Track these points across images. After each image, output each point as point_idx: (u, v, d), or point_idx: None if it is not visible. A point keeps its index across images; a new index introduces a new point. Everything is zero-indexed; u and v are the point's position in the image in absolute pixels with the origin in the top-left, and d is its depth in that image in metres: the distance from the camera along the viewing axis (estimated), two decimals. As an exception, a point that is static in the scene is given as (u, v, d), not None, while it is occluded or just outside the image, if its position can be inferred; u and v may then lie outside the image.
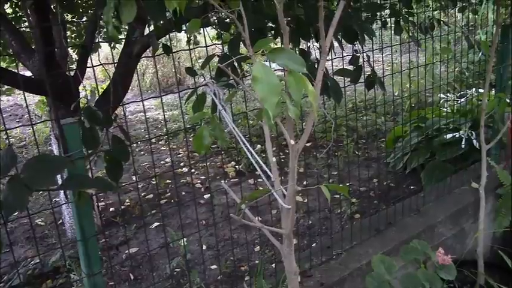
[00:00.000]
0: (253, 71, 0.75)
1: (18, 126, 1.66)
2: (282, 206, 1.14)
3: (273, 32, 2.21)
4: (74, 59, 4.75)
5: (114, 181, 1.66)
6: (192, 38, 5.17)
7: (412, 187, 3.91)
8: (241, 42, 2.13)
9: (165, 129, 5.78)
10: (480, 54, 2.94)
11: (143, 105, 1.65)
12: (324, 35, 1.06)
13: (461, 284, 2.20)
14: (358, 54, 2.39)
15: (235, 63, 1.98)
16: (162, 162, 4.93)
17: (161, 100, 1.70)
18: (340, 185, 1.08)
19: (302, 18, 1.95)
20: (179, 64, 7.67)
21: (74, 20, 4.17)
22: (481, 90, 4.52)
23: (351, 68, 2.33)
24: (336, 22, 1.11)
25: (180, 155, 5.11)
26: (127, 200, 4.09)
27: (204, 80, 1.89)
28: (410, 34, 2.68)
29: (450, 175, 3.11)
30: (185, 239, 3.20)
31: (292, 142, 0.99)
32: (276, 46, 0.95)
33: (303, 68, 0.79)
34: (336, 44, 2.39)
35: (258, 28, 2.07)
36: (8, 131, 1.48)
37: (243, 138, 1.36)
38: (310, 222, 3.51)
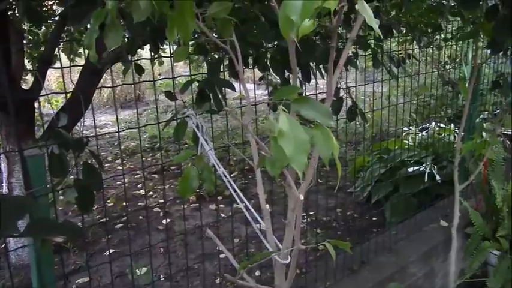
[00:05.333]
0: (280, 124, 0.65)
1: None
2: (275, 261, 1.03)
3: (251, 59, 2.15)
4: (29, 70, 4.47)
5: (86, 212, 1.50)
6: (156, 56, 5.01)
7: (374, 218, 3.89)
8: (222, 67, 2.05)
9: (122, 147, 5.55)
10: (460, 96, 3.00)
11: (118, 130, 1.50)
12: (332, 74, 0.98)
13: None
14: (339, 86, 2.38)
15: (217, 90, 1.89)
16: (118, 183, 4.69)
17: (139, 131, 1.56)
18: (343, 241, 0.99)
19: (287, 49, 1.88)
20: (139, 79, 7.43)
21: (32, 29, 3.93)
22: (440, 124, 4.65)
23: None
24: (343, 63, 1.04)
25: (137, 176, 4.89)
26: (78, 224, 3.82)
27: (184, 105, 1.78)
28: (388, 68, 2.69)
29: (416, 211, 3.11)
30: (144, 269, 3.02)
31: (302, 197, 0.89)
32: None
33: (330, 120, 0.70)
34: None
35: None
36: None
37: (230, 180, 1.25)
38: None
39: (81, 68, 2.71)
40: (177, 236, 3.64)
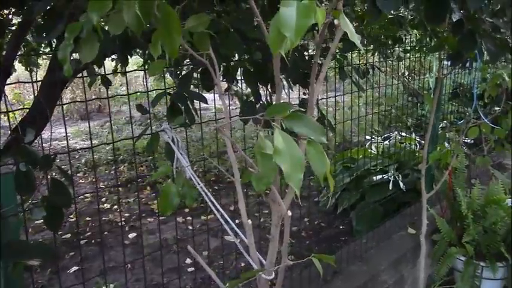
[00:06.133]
0: (275, 141, 0.64)
1: None
2: (259, 278, 1.02)
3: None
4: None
5: (54, 230, 1.44)
6: (119, 67, 4.92)
7: (342, 227, 3.94)
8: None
9: (83, 160, 5.39)
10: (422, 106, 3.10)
11: (91, 144, 1.45)
12: (313, 89, 0.98)
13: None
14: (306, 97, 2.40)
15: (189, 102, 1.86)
16: (80, 197, 4.54)
17: (113, 145, 1.51)
18: (327, 255, 0.99)
19: (260, 62, 1.88)
20: (99, 91, 7.28)
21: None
22: (401, 133, 4.78)
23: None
24: (323, 77, 1.04)
25: (100, 189, 4.75)
26: (40, 240, 3.67)
27: (156, 118, 1.74)
28: (354, 80, 2.74)
29: (382, 219, 3.17)
30: (111, 285, 2.92)
31: (290, 213, 0.89)
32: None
33: (323, 137, 0.70)
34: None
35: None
36: None
37: (209, 195, 1.23)
38: (243, 264, 3.38)
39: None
40: (146, 250, 3.56)
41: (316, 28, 1.40)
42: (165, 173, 1.10)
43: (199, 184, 1.24)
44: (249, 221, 1.07)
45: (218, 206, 1.18)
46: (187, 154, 1.49)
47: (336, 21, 1.02)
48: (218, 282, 1.08)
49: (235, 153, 1.19)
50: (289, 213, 0.88)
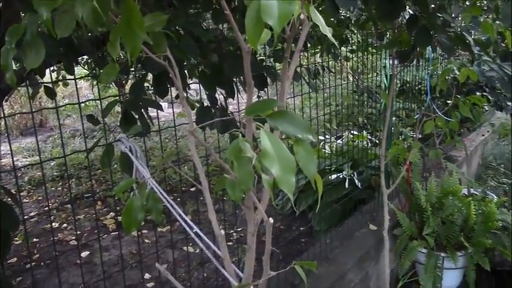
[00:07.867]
0: (262, 143, 0.58)
1: None
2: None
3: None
4: None
5: (1, 258, 1.32)
6: (60, 76, 4.69)
7: (302, 228, 3.92)
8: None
9: (26, 178, 5.08)
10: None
11: (40, 160, 1.32)
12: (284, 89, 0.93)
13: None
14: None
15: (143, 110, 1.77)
16: (25, 217, 4.26)
17: (65, 159, 1.39)
18: (309, 262, 0.94)
19: (218, 64, 1.82)
20: (40, 104, 6.90)
21: None
22: (353, 132, 4.85)
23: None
24: (292, 74, 0.99)
25: (47, 208, 4.49)
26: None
27: (110, 131, 1.63)
28: (307, 80, 2.74)
29: (343, 217, 3.18)
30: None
31: (271, 220, 0.82)
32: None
33: (309, 134, 0.64)
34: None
35: (164, 71, 1.89)
36: None
37: (176, 207, 1.14)
38: (205, 274, 3.28)
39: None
40: (101, 269, 3.37)
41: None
42: (127, 187, 1.00)
43: (164, 197, 1.16)
44: (222, 232, 1.00)
45: (187, 219, 1.10)
46: (147, 164, 1.40)
47: (302, 16, 0.98)
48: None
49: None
50: (271, 220, 0.82)
